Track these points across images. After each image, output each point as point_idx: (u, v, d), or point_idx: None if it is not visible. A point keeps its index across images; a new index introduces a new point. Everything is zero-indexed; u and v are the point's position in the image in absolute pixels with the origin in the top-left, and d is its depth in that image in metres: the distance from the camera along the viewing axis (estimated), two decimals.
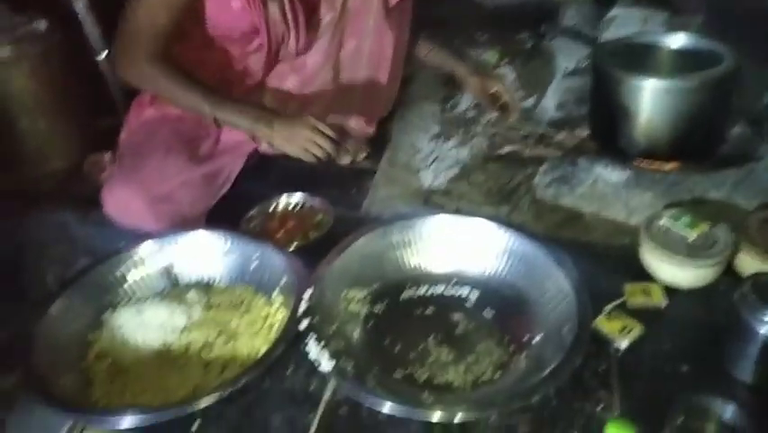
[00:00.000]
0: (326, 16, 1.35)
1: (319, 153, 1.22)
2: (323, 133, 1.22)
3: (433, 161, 1.45)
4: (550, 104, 1.56)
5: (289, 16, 1.31)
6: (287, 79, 1.40)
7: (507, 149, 1.43)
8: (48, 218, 1.37)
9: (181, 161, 1.25)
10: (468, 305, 1.02)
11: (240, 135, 1.36)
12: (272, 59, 1.38)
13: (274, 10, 1.29)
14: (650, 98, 1.25)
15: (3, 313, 1.08)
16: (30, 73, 1.49)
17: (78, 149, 1.55)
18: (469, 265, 1.07)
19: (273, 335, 0.94)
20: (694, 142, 1.29)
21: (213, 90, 1.25)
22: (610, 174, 1.26)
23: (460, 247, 1.08)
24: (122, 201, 1.17)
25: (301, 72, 1.38)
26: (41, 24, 1.51)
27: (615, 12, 1.75)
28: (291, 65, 1.38)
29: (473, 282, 1.05)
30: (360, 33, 1.37)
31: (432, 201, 1.33)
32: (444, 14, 1.61)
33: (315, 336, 0.88)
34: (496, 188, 1.34)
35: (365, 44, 1.38)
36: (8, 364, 0.94)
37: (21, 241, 1.31)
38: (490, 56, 1.71)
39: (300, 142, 1.22)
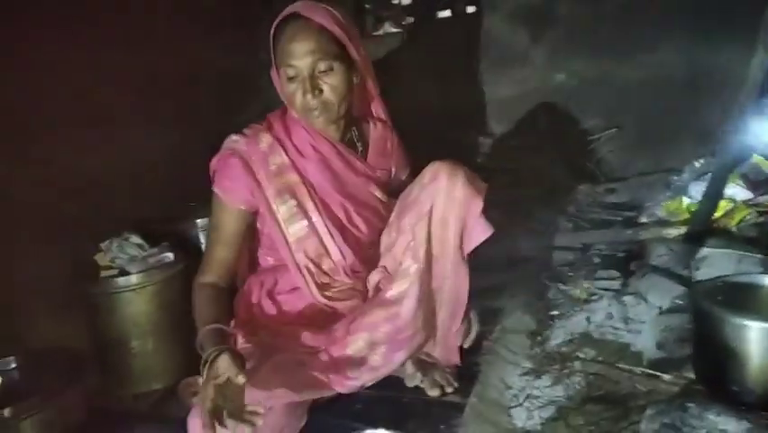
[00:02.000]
0: (412, 267, 1.37)
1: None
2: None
3: (525, 399, 1.39)
4: (648, 343, 1.50)
5: (323, 232, 1.38)
6: (379, 329, 1.36)
7: (606, 389, 1.35)
8: None
9: (273, 387, 1.24)
10: None
11: (325, 371, 1.34)
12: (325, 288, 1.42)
13: (298, 228, 1.38)
14: (761, 342, 1.18)
15: None
16: (151, 298, 1.66)
17: (178, 371, 1.62)
18: None
19: None
20: None
21: (213, 333, 1.22)
22: (726, 424, 1.14)
23: None
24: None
25: (395, 322, 1.36)
26: (169, 255, 1.71)
27: (706, 251, 1.75)
28: (386, 314, 1.37)
29: None
30: (440, 276, 1.40)
31: None
32: (534, 253, 1.68)
33: None
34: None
35: (445, 285, 1.41)
36: None
37: None
38: (579, 292, 1.72)
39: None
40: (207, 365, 1.15)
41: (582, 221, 2.11)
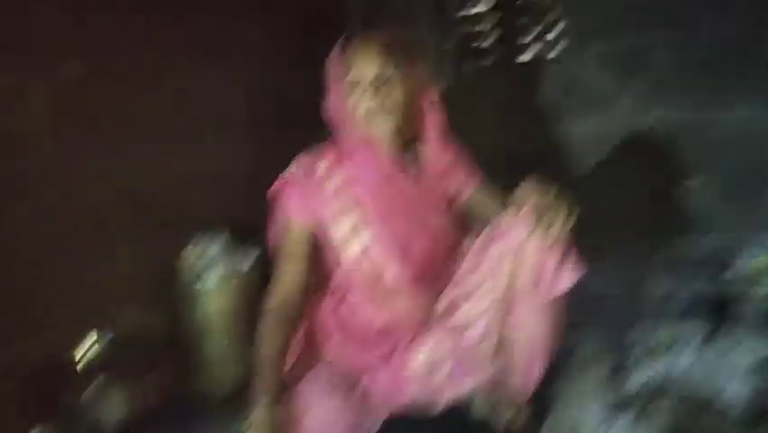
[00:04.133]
0: (488, 296, 1.36)
1: None
2: None
3: None
4: (737, 397, 1.41)
5: (378, 252, 1.38)
6: (441, 347, 1.37)
7: None
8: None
9: (331, 403, 1.28)
10: None
11: (387, 387, 1.37)
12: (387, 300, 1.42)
13: (355, 248, 1.38)
14: None
15: None
16: (230, 299, 1.72)
17: (250, 373, 1.65)
18: None
19: None
20: None
21: (271, 381, 1.26)
22: None
23: None
24: None
25: (459, 345, 1.36)
26: (251, 257, 1.77)
27: None
28: (451, 336, 1.37)
29: None
30: (518, 316, 1.36)
31: None
32: (616, 293, 1.62)
33: None
34: None
35: (523, 327, 1.36)
36: None
37: None
38: (664, 337, 1.64)
39: None
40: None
41: (667, 270, 2.03)
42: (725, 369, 1.54)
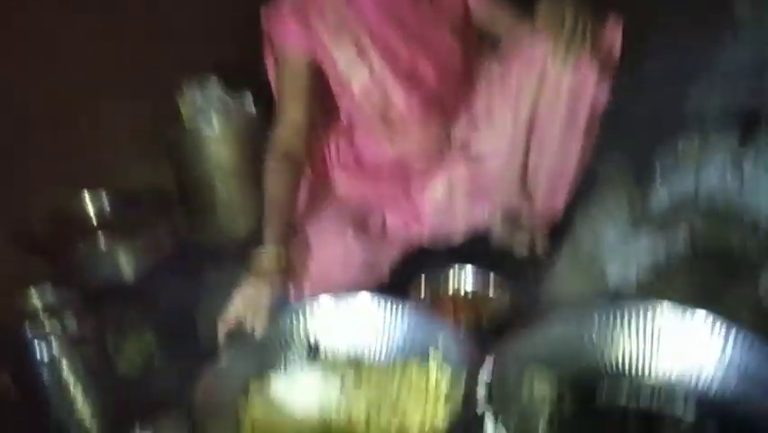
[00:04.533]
0: (509, 125, 1.30)
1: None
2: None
3: (621, 256, 1.30)
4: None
5: (387, 80, 1.29)
6: (459, 178, 1.36)
7: (715, 247, 1.25)
8: (225, 276, 1.43)
9: (346, 239, 1.25)
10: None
11: (405, 220, 1.36)
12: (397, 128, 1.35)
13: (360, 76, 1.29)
14: None
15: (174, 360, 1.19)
16: (232, 145, 1.66)
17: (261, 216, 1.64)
18: (687, 371, 0.89)
19: (441, 411, 0.87)
20: None
21: (279, 223, 1.20)
22: None
23: (675, 346, 0.91)
24: None
25: (477, 178, 1.35)
26: (248, 103, 1.69)
27: None
28: (469, 168, 1.35)
29: (691, 394, 0.88)
30: (542, 141, 1.29)
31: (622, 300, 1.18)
32: (639, 106, 1.53)
33: (493, 419, 0.76)
34: (702, 293, 1.15)
35: (546, 152, 1.31)
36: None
37: (198, 293, 1.40)
38: (689, 150, 1.55)
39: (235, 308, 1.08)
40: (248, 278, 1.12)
41: (701, 71, 1.88)
42: (756, 184, 1.47)
